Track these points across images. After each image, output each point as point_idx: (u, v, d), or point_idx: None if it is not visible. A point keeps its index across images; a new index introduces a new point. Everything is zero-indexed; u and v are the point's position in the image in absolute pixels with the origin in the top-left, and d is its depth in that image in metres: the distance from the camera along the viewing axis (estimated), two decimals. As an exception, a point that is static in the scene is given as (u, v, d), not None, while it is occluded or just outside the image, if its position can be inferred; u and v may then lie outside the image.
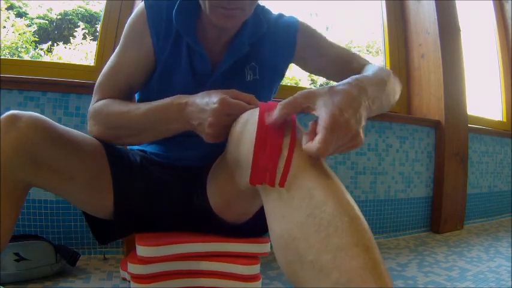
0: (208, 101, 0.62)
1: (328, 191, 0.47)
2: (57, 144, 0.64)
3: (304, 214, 0.46)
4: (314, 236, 0.45)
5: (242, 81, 0.79)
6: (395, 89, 0.72)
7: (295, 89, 1.78)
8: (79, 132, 0.71)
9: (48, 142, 0.62)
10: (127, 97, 0.80)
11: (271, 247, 0.69)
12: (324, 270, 0.43)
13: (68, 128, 0.68)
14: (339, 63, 0.85)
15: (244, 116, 0.58)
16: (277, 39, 0.82)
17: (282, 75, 0.88)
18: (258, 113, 0.54)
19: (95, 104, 0.77)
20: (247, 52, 0.79)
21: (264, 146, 0.51)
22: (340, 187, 0.49)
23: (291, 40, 0.83)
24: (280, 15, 0.86)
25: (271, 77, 0.84)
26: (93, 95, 0.80)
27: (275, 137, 0.51)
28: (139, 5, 0.78)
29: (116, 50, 0.79)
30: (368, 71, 0.67)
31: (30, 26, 1.85)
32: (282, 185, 0.49)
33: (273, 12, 0.86)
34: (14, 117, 0.60)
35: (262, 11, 0.82)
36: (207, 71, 0.77)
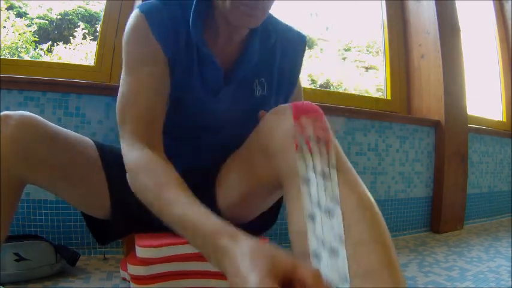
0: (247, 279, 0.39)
1: (353, 187, 0.50)
2: (48, 140, 0.65)
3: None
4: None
5: (252, 96, 0.77)
6: None
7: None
8: (71, 131, 0.71)
9: (40, 138, 0.64)
10: (158, 125, 0.68)
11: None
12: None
13: (59, 127, 0.69)
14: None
15: (279, 109, 0.61)
16: (287, 55, 0.80)
17: (291, 89, 0.85)
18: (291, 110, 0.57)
19: (138, 167, 0.61)
20: (257, 66, 0.76)
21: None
22: (362, 185, 0.52)
23: (299, 58, 0.83)
24: (290, 28, 0.83)
25: (279, 92, 0.82)
26: (120, 132, 0.67)
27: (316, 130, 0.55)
28: (134, 15, 0.68)
29: (123, 75, 0.69)
30: None
31: (30, 26, 1.85)
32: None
33: (281, 21, 0.83)
34: (5, 117, 0.62)
35: (271, 20, 0.79)
36: (218, 81, 0.73)
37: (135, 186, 0.62)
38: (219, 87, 0.73)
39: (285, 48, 0.80)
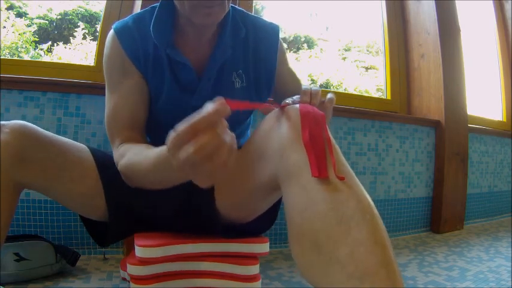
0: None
1: (353, 189, 0.50)
2: (42, 145, 0.67)
3: (328, 207, 0.48)
4: (335, 229, 0.47)
5: (232, 89, 0.80)
6: None
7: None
8: (65, 137, 0.74)
9: (33, 143, 0.66)
10: (140, 130, 0.78)
11: (270, 247, 0.70)
12: (340, 262, 0.45)
13: (53, 134, 0.72)
14: (286, 82, 0.89)
15: (277, 114, 0.61)
16: (260, 46, 0.83)
17: (271, 79, 0.86)
18: (297, 112, 0.57)
19: (119, 158, 0.72)
20: (233, 59, 0.79)
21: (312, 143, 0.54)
22: (362, 188, 0.52)
23: (274, 46, 0.84)
24: (261, 20, 0.86)
25: (259, 83, 0.84)
26: (111, 143, 0.78)
27: (318, 134, 0.54)
28: (109, 35, 0.77)
29: (107, 91, 0.78)
30: None
31: (30, 26, 1.85)
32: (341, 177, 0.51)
33: (252, 15, 0.86)
34: (0, 126, 0.64)
35: (240, 15, 0.82)
36: (192, 80, 0.77)
37: (122, 173, 0.71)
38: (194, 84, 0.77)
39: (257, 39, 0.83)
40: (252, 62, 0.82)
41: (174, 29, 0.77)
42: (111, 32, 0.77)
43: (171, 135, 0.42)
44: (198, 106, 0.76)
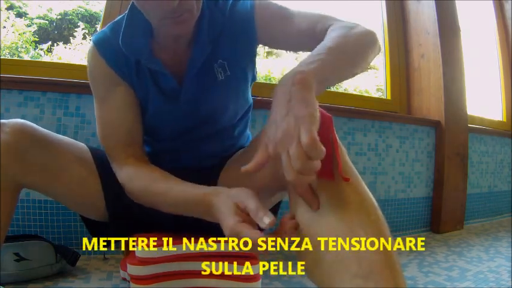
0: (223, 222, 0.54)
1: (358, 190, 0.51)
2: (42, 144, 0.67)
3: (333, 207, 0.49)
4: (340, 229, 0.47)
5: (214, 82, 0.77)
6: (360, 49, 0.67)
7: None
8: (65, 137, 0.74)
9: (33, 142, 0.66)
10: (139, 143, 0.77)
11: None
12: (344, 262, 0.45)
13: (53, 133, 0.72)
14: (302, 34, 0.76)
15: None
16: (236, 28, 0.76)
17: (253, 62, 0.82)
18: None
19: (126, 180, 0.72)
20: (212, 52, 0.75)
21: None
22: (367, 189, 0.52)
23: (249, 26, 0.76)
24: (233, 2, 0.78)
25: (242, 69, 0.80)
26: (109, 159, 0.76)
27: (325, 136, 0.53)
28: (89, 48, 0.75)
29: (96, 105, 0.76)
30: (327, 39, 0.64)
31: (30, 26, 1.85)
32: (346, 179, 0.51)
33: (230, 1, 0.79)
34: (0, 125, 0.64)
35: (215, 4, 0.77)
36: (174, 87, 0.75)
37: (133, 194, 0.71)
38: (177, 91, 0.76)
39: (233, 20, 0.77)
40: (232, 47, 0.77)
41: (149, 34, 0.73)
42: (91, 44, 0.75)
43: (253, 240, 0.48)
44: (186, 110, 0.77)
